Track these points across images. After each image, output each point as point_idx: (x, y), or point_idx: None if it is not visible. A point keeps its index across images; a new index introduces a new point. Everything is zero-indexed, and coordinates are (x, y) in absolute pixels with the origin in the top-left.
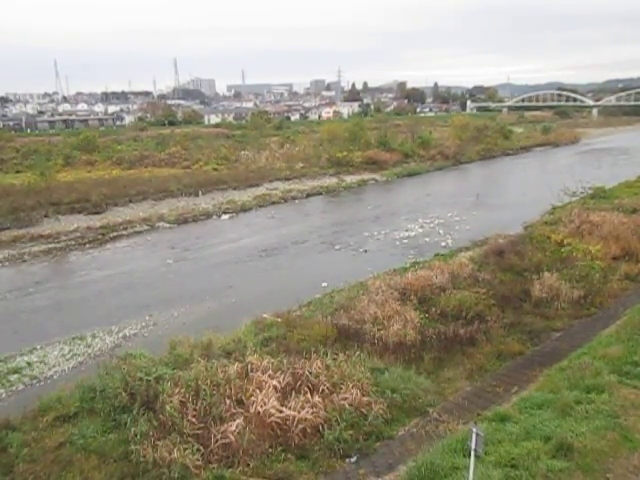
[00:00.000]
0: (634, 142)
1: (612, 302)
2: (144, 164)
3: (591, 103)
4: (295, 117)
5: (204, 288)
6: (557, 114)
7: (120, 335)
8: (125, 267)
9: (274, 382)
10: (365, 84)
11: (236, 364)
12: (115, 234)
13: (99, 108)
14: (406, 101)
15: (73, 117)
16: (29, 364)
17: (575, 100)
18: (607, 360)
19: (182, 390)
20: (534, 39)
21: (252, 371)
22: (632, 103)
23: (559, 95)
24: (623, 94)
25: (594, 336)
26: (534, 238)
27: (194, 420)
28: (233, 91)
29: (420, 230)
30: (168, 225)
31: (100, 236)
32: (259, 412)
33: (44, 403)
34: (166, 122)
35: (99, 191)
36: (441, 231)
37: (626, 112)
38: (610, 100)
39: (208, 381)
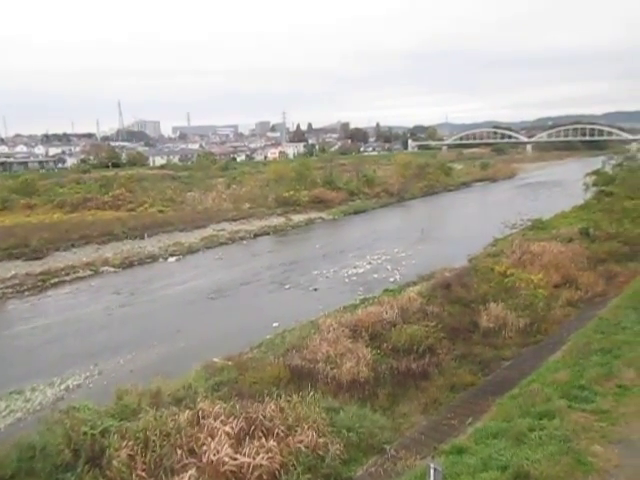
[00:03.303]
0: (566, 175)
1: (556, 328)
2: (87, 207)
3: (525, 140)
4: (241, 158)
5: (152, 333)
6: (494, 151)
7: (62, 387)
8: (67, 314)
9: (227, 428)
10: (310, 125)
11: (187, 412)
12: (56, 280)
13: (39, 150)
14: (350, 141)
15: (11, 159)
16: None
17: (510, 137)
18: (556, 385)
19: (130, 442)
20: (470, 80)
21: (204, 418)
22: (562, 139)
23: (495, 133)
24: (553, 131)
25: (542, 362)
26: (479, 270)
27: (144, 474)
28: (178, 133)
29: (368, 266)
30: (113, 269)
31: (40, 283)
32: (212, 461)
33: None
34: (110, 164)
35: (39, 235)
36: (389, 266)
37: (557, 147)
38: (542, 136)
39: (157, 431)
